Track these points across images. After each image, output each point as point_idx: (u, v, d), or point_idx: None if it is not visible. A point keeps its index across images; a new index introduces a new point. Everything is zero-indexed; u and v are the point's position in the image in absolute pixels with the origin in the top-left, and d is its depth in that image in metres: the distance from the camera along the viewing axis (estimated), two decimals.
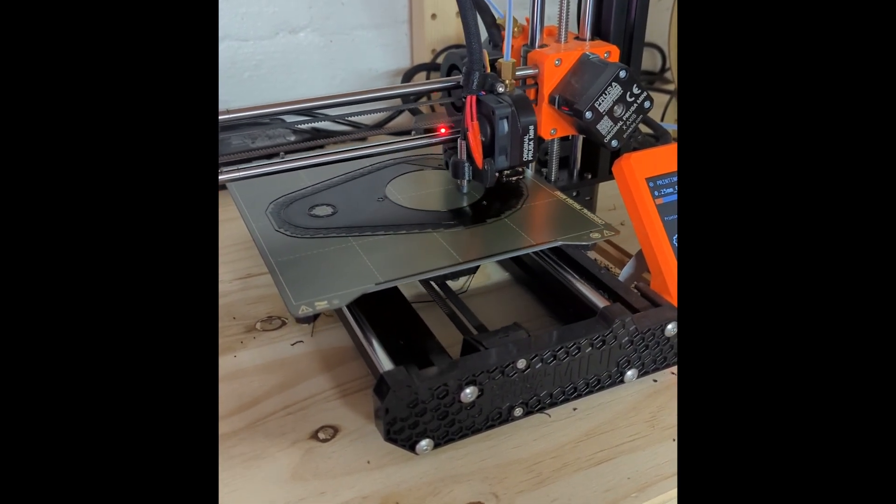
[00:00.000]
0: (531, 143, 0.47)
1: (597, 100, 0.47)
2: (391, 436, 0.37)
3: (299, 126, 0.72)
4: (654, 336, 0.42)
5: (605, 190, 0.61)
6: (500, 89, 0.46)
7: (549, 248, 0.49)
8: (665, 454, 0.39)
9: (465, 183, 0.51)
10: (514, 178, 0.52)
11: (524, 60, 0.52)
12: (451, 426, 0.38)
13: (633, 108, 0.49)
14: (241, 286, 0.54)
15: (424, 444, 0.38)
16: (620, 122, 0.49)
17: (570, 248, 0.49)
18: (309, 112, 0.47)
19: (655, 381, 0.44)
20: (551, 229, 0.46)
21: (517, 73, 0.49)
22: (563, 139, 0.57)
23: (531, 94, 0.51)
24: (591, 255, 0.56)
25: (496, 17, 0.54)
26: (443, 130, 0.48)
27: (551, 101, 0.50)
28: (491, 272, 0.55)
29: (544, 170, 0.58)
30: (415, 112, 0.77)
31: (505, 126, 0.46)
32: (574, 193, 0.58)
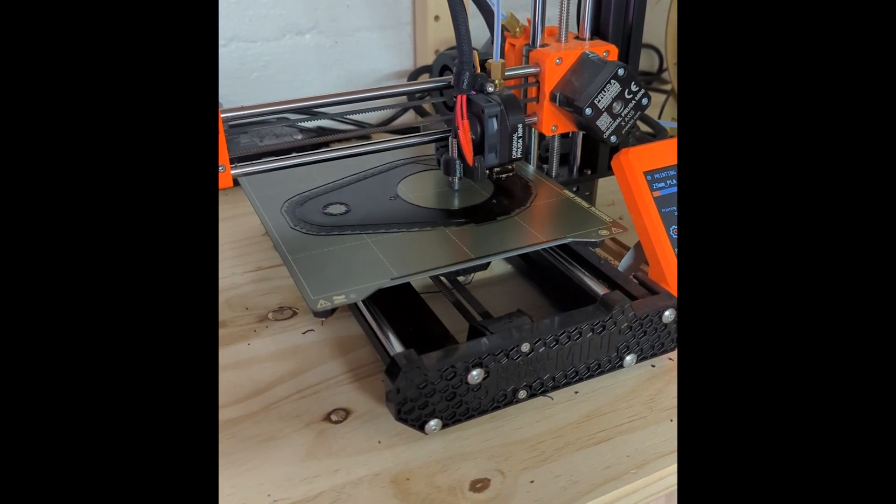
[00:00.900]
0: (520, 140, 0.49)
1: (596, 97, 0.49)
2: (402, 416, 0.39)
3: (305, 125, 0.74)
4: (651, 322, 0.44)
5: (604, 185, 0.63)
6: (490, 89, 0.48)
7: None
8: (662, 434, 0.41)
9: (455, 180, 0.53)
10: (503, 176, 0.54)
11: (526, 59, 0.54)
12: (458, 407, 0.40)
13: (631, 105, 0.51)
14: (252, 278, 0.55)
15: (433, 423, 0.39)
16: (619, 119, 0.51)
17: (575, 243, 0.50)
18: (312, 111, 0.49)
19: (653, 366, 0.46)
20: (560, 227, 0.48)
21: (520, 72, 0.51)
22: (564, 136, 0.59)
23: (533, 91, 0.53)
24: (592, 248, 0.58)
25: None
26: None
27: (552, 98, 0.52)
28: (494, 264, 0.57)
29: (545, 166, 0.60)
30: (418, 110, 0.79)
31: (494, 124, 0.47)
32: (574, 189, 0.60)
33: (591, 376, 0.44)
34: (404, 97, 0.73)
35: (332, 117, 0.74)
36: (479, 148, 0.48)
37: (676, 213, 0.48)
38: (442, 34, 0.81)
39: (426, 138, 0.51)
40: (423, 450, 0.40)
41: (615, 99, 0.50)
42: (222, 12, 0.73)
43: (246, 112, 0.46)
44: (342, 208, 0.51)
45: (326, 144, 0.67)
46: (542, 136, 0.56)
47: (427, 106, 0.79)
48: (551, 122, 0.53)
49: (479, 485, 0.37)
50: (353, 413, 0.42)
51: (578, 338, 0.42)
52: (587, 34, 0.53)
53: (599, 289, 0.46)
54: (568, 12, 0.52)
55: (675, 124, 0.76)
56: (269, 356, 0.47)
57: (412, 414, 0.39)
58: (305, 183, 0.54)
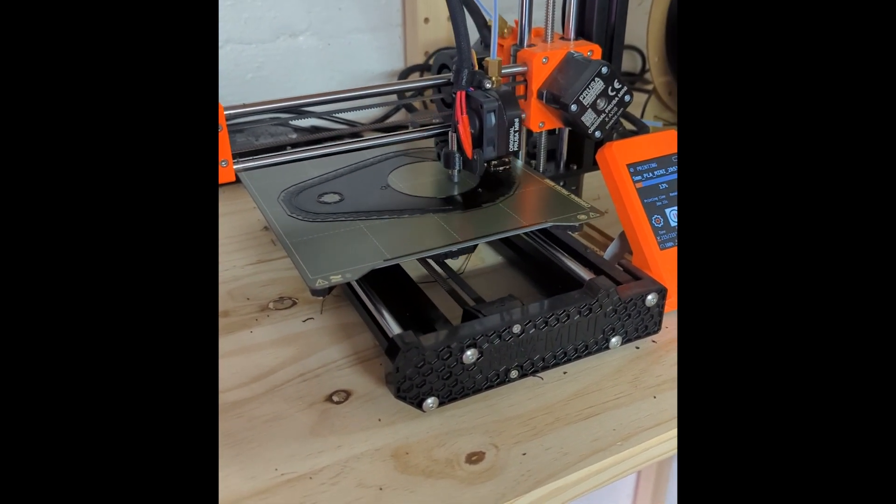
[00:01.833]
0: (516, 134, 0.51)
1: (581, 94, 0.52)
2: (401, 394, 0.41)
3: (299, 125, 0.76)
4: (635, 306, 0.47)
5: (589, 181, 0.66)
6: (488, 85, 0.51)
7: (540, 232, 0.54)
8: (646, 410, 0.43)
9: (455, 172, 0.55)
10: (500, 168, 0.57)
11: (514, 59, 0.56)
12: (454, 385, 0.42)
13: (614, 102, 0.53)
14: (253, 270, 0.58)
15: (430, 401, 0.42)
16: (603, 115, 0.53)
17: (558, 231, 0.53)
18: (312, 107, 0.51)
19: (637, 347, 0.48)
20: (541, 212, 0.51)
21: (508, 71, 0.54)
22: (551, 133, 0.61)
23: (520, 89, 0.55)
24: (579, 240, 0.60)
25: (487, 19, 0.58)
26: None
27: (539, 95, 0.54)
28: (485, 255, 0.59)
29: (533, 161, 0.62)
30: (410, 108, 0.82)
31: (492, 119, 0.50)
32: (561, 183, 0.63)
33: (579, 357, 0.46)
34: (395, 96, 0.75)
35: (325, 117, 0.77)
36: (477, 141, 0.51)
37: (658, 203, 0.51)
38: (431, 35, 0.83)
39: (425, 133, 0.54)
40: (421, 426, 0.42)
41: (599, 96, 0.53)
42: (219, 15, 0.75)
43: (248, 109, 0.48)
44: (336, 197, 0.53)
45: (320, 142, 0.69)
46: (529, 133, 0.59)
47: (416, 103, 0.82)
48: (539, 118, 0.56)
49: (474, 457, 0.40)
50: (353, 394, 0.45)
51: (566, 320, 0.44)
52: (572, 35, 0.56)
53: (586, 275, 0.48)
54: (553, 14, 0.55)
55: (657, 123, 0.79)
56: (271, 343, 0.49)
57: (410, 392, 0.41)
58: (300, 176, 0.56)
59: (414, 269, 0.56)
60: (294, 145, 0.53)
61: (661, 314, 0.48)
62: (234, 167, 0.48)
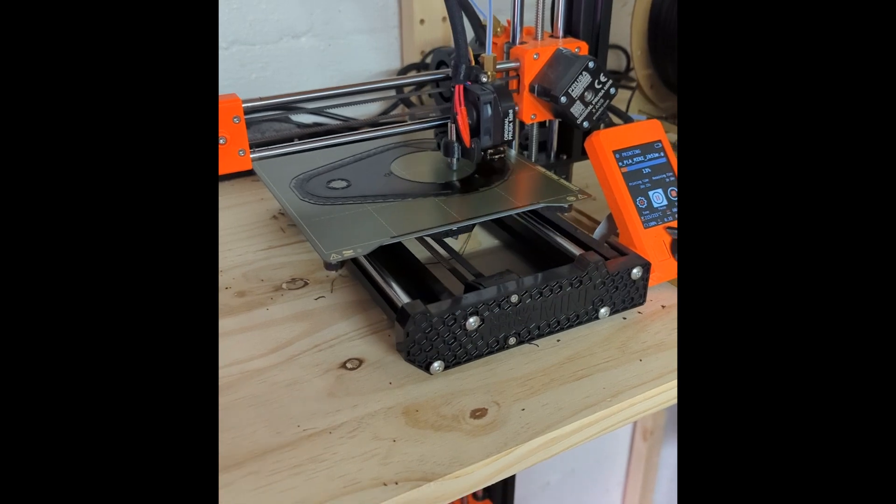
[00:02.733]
0: (511, 124, 0.56)
1: (570, 87, 0.56)
2: (410, 357, 0.45)
3: (300, 122, 0.80)
4: (622, 279, 0.51)
5: (578, 171, 0.70)
6: (484, 79, 0.55)
7: (534, 215, 0.58)
8: (633, 371, 0.48)
9: (454, 160, 0.59)
10: (496, 157, 0.61)
11: (507, 56, 0.61)
12: (458, 350, 0.46)
13: (600, 94, 0.58)
14: (265, 255, 0.61)
15: (437, 365, 0.46)
16: (590, 106, 0.58)
17: (550, 213, 0.57)
18: (310, 106, 0.55)
19: (625, 318, 0.53)
20: (534, 194, 0.55)
21: (502, 66, 0.58)
22: (542, 125, 0.65)
23: (514, 84, 0.60)
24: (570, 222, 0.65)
25: (481, 18, 0.63)
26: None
27: (531, 89, 0.59)
28: (482, 238, 0.63)
29: (525, 152, 0.67)
30: (408, 104, 0.86)
31: (489, 110, 0.54)
32: (552, 172, 0.67)
33: (571, 326, 0.51)
34: (394, 92, 0.79)
35: (328, 114, 0.81)
36: (475, 131, 0.55)
37: (642, 186, 0.55)
38: (427, 36, 0.87)
39: (427, 124, 0.58)
40: (428, 387, 0.46)
41: (586, 88, 0.57)
42: (225, 18, 0.79)
43: (263, 102, 0.52)
44: (343, 183, 0.57)
45: (327, 135, 0.73)
46: (522, 125, 0.63)
47: (413, 99, 0.86)
48: (531, 111, 0.60)
49: (478, 413, 0.44)
50: (365, 362, 0.49)
51: (559, 291, 0.48)
52: (560, 33, 0.61)
53: (577, 252, 0.53)
54: (543, 14, 0.60)
55: (641, 116, 0.84)
56: (286, 318, 0.53)
57: (419, 356, 0.45)
58: (308, 165, 0.61)
59: (418, 252, 0.60)
60: (301, 137, 0.57)
61: (645, 287, 0.52)
62: (252, 156, 0.52)
